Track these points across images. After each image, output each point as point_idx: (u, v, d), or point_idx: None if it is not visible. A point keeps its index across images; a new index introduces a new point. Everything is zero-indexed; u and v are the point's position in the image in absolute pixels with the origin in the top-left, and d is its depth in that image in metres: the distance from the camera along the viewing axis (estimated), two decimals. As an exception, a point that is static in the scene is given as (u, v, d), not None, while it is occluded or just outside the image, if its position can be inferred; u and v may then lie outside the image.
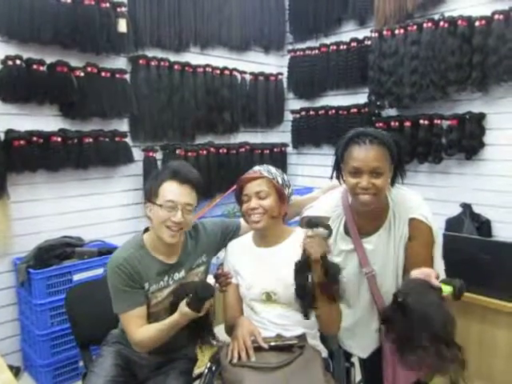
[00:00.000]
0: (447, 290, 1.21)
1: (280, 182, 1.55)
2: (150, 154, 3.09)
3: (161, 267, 1.52)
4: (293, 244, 1.51)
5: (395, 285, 1.52)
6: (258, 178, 1.53)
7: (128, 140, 3.01)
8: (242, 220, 1.68)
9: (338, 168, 1.51)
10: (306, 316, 1.43)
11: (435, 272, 1.27)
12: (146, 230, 1.58)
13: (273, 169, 1.58)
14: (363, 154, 1.39)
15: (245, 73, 3.69)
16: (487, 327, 2.10)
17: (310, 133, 3.73)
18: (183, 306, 1.37)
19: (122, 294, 1.46)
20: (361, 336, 1.59)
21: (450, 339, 1.14)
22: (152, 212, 1.48)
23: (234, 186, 1.61)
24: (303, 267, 1.38)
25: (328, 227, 1.38)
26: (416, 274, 1.27)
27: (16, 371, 2.53)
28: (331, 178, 1.54)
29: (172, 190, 1.45)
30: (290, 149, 3.98)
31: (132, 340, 1.47)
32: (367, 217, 1.50)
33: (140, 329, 1.46)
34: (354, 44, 3.37)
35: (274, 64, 3.97)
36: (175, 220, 1.43)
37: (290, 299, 1.48)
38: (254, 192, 1.52)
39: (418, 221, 1.47)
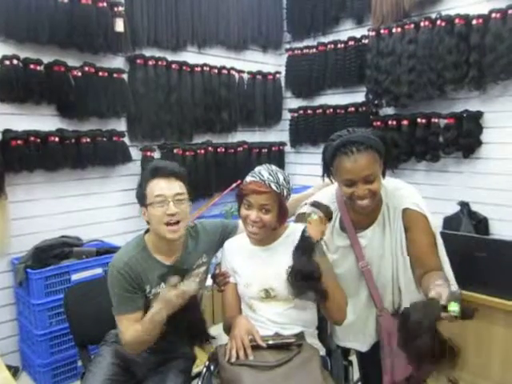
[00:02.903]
0: (453, 308, 1.14)
1: (285, 194, 1.49)
2: (148, 153, 3.09)
3: (162, 269, 1.52)
4: (288, 238, 1.52)
5: (394, 278, 1.53)
6: (266, 192, 1.45)
7: (126, 140, 3.00)
8: (239, 221, 1.68)
9: (327, 170, 1.51)
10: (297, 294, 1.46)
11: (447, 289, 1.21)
12: (148, 230, 1.58)
13: (281, 176, 1.47)
14: (353, 165, 1.39)
15: (242, 72, 3.68)
16: (484, 325, 2.11)
17: (307, 131, 3.73)
18: (164, 293, 1.39)
19: (121, 298, 1.47)
20: (360, 330, 1.61)
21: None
22: (147, 215, 1.49)
23: (232, 186, 1.61)
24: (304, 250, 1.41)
25: (327, 208, 1.46)
26: (437, 283, 1.25)
27: (14, 371, 2.54)
28: (323, 177, 1.54)
29: (157, 186, 1.47)
30: (287, 148, 3.98)
31: (123, 341, 1.47)
32: (362, 212, 1.51)
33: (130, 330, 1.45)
34: (351, 43, 3.37)
35: (272, 63, 3.96)
36: (170, 212, 1.44)
37: (288, 295, 1.48)
38: (258, 204, 1.46)
39: (410, 210, 1.49)
